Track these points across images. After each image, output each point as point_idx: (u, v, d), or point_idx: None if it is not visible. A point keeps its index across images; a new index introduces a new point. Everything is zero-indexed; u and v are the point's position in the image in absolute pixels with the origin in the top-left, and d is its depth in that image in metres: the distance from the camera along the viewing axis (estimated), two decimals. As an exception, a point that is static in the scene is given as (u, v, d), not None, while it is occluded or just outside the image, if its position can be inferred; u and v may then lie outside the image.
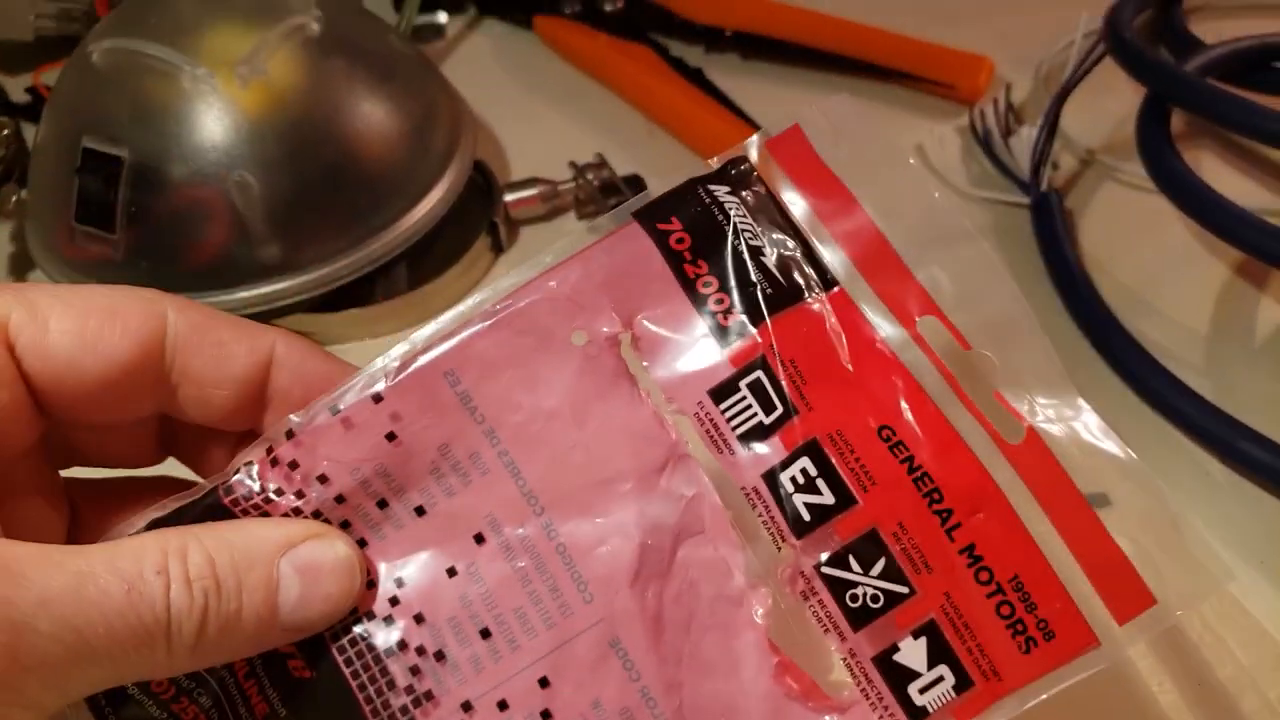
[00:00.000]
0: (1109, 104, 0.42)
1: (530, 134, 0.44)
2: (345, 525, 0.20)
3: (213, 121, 0.32)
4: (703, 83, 0.44)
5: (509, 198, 0.39)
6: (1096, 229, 0.38)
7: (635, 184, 0.38)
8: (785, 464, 0.20)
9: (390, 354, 0.21)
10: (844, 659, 0.20)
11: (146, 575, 0.17)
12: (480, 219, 0.38)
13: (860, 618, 0.20)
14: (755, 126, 0.41)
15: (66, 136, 0.33)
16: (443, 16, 0.50)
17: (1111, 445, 0.20)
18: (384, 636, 0.20)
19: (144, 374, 0.19)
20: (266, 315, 0.33)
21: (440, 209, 0.36)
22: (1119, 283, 0.36)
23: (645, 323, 0.21)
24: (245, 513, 0.20)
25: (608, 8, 0.48)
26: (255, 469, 0.20)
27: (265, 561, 0.18)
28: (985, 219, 0.39)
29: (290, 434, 0.20)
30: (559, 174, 0.39)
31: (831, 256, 0.21)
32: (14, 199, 0.40)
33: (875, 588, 0.20)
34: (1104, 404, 0.28)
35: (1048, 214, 0.37)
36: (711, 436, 0.21)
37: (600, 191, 0.38)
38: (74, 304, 0.19)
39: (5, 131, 0.37)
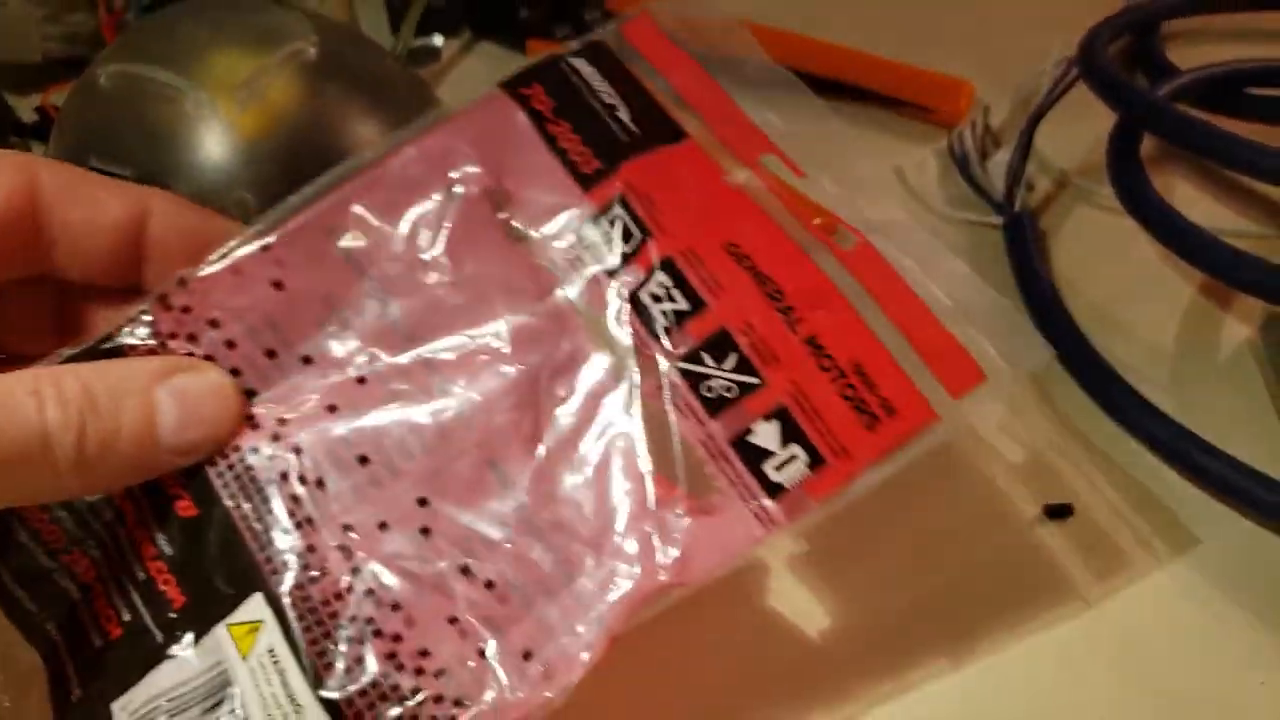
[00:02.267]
0: (1084, 127, 0.43)
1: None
2: (236, 373, 0.21)
3: (213, 143, 0.33)
4: (689, 105, 0.45)
5: (500, 216, 0.40)
6: (1068, 249, 0.39)
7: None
8: (644, 282, 0.23)
9: (277, 208, 0.22)
10: (702, 442, 0.21)
11: (18, 394, 0.17)
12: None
13: (716, 406, 0.22)
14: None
15: (74, 156, 0.34)
16: (439, 39, 0.51)
17: (936, 252, 0.23)
18: (265, 468, 0.21)
19: (18, 227, 0.20)
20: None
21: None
22: (1089, 301, 0.37)
23: (513, 175, 0.23)
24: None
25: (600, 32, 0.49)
26: (149, 315, 0.21)
27: (141, 389, 0.19)
28: (961, 239, 0.40)
29: (183, 281, 0.22)
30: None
31: (681, 113, 0.24)
32: (22, 215, 0.41)
33: (728, 379, 0.22)
34: (1072, 420, 0.32)
35: (1020, 234, 0.38)
36: (580, 271, 0.23)
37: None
38: None
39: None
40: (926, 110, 0.44)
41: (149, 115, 0.34)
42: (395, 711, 0.19)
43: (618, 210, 0.23)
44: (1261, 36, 0.50)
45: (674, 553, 0.20)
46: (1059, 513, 0.30)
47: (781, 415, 0.21)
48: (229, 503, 0.21)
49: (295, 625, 0.20)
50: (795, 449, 0.21)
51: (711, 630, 0.26)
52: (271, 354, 0.22)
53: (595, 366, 0.22)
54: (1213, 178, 0.41)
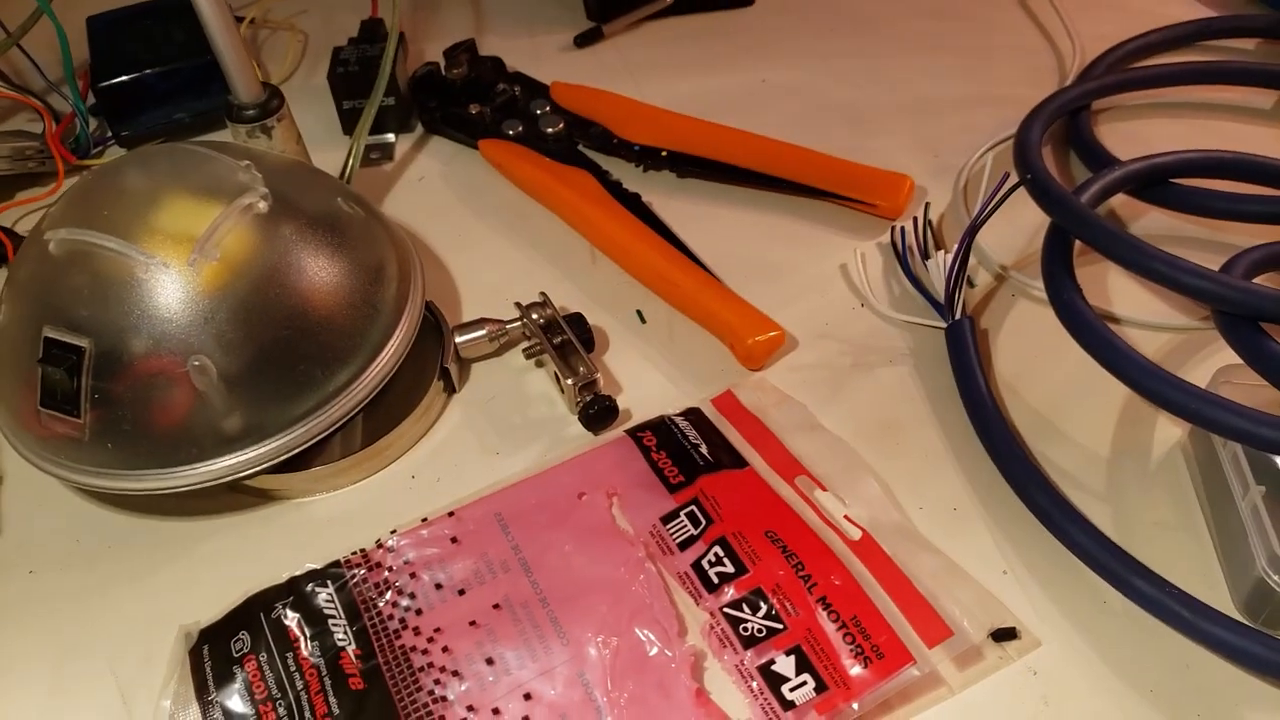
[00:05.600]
0: (1025, 218, 0.44)
1: (477, 259, 0.46)
2: (411, 595, 0.33)
3: (168, 308, 0.34)
4: (639, 209, 0.46)
5: (459, 340, 0.41)
6: (1009, 347, 0.41)
7: (576, 321, 0.41)
8: (704, 554, 0.34)
9: (464, 494, 0.36)
10: (737, 666, 0.31)
11: None
12: (432, 357, 0.40)
13: (749, 642, 0.31)
14: (687, 253, 0.43)
15: (28, 324, 0.35)
16: (391, 137, 0.51)
17: (920, 541, 0.34)
18: (419, 660, 0.31)
19: None
20: (232, 482, 0.35)
21: (394, 363, 0.38)
22: (1028, 406, 0.38)
23: (623, 485, 0.36)
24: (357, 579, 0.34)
25: (549, 130, 0.50)
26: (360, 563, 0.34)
27: None
28: (905, 342, 0.41)
29: (379, 543, 0.34)
30: (505, 297, 0.42)
31: (741, 446, 0.37)
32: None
33: (760, 624, 0.32)
34: (1011, 531, 0.36)
35: (960, 341, 0.39)
36: (661, 545, 0.34)
37: (544, 329, 0.40)
38: None
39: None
40: (869, 205, 0.45)
41: (101, 281, 0.34)
42: None
43: (692, 507, 0.35)
44: (1187, 109, 0.51)
45: None
46: (1005, 635, 0.32)
47: (798, 652, 0.31)
48: (389, 682, 0.31)
49: None
50: (806, 677, 0.30)
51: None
52: (439, 586, 0.33)
53: (664, 618, 0.32)
54: (1144, 266, 0.43)
